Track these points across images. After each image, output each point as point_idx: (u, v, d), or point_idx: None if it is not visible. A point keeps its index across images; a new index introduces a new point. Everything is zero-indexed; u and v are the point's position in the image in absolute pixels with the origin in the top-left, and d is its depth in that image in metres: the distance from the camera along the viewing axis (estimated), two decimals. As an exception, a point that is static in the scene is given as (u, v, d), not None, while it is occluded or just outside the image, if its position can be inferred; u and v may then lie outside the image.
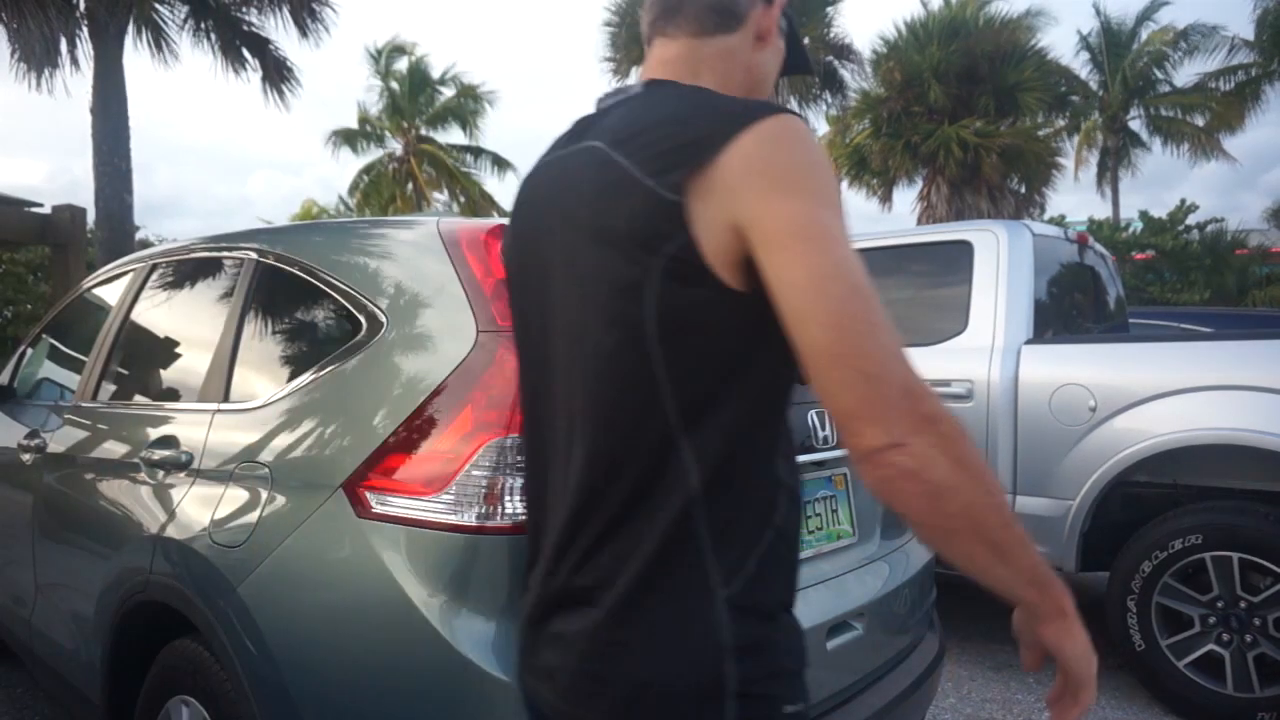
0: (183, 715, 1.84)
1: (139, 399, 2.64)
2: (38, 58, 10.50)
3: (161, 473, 2.06)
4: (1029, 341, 3.64)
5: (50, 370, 3.34)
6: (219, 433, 1.96)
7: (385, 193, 25.59)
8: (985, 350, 3.68)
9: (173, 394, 2.48)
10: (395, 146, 26.34)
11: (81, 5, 10.52)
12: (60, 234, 8.96)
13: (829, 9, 18.80)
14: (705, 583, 0.88)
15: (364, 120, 26.20)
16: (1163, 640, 3.17)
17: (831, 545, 2.06)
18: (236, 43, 11.76)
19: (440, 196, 26.04)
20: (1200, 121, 22.09)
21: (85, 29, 10.68)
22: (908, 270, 4.31)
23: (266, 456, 1.77)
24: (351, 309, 1.80)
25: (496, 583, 1.46)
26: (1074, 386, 3.40)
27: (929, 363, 3.77)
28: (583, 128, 1.04)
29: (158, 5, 11.46)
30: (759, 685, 0.88)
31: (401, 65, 26.16)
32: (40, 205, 9.29)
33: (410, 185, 25.83)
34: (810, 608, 1.85)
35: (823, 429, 2.06)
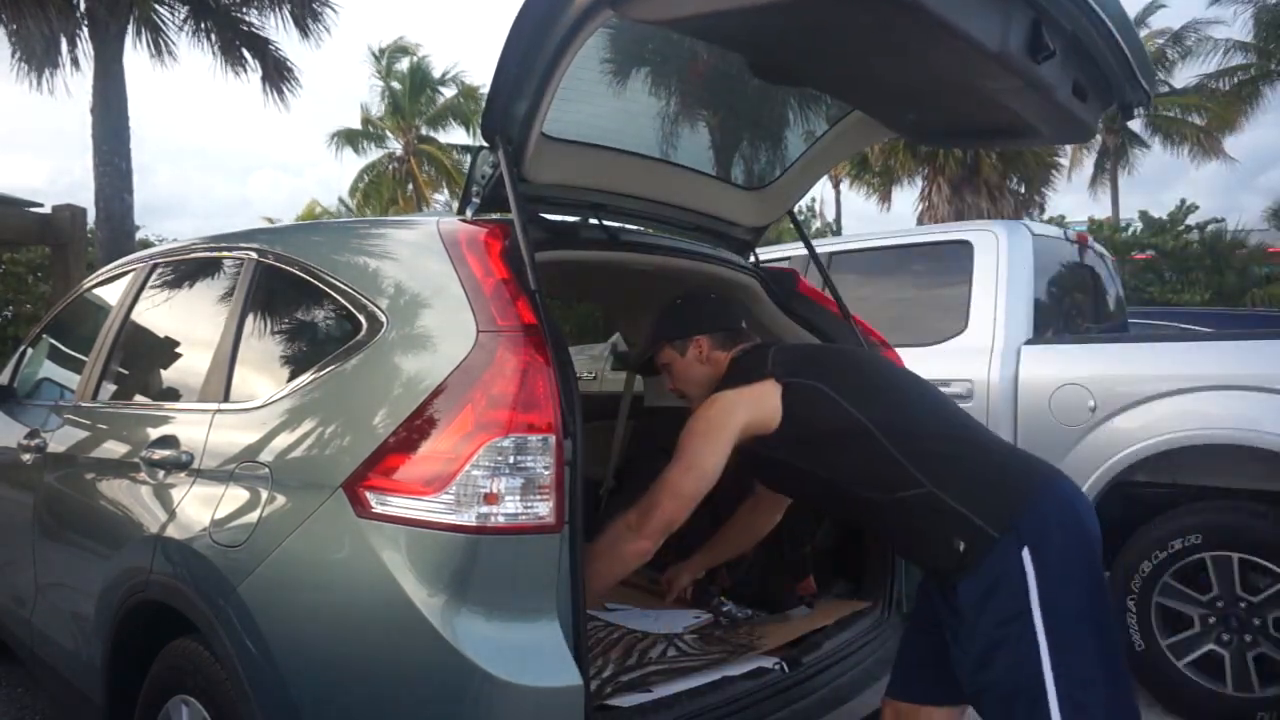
0: (183, 715, 1.84)
1: (139, 399, 2.64)
2: (38, 58, 10.51)
3: (162, 473, 2.06)
4: (1029, 341, 3.64)
5: (50, 370, 3.35)
6: (219, 433, 1.96)
7: (386, 193, 25.60)
8: (985, 350, 3.67)
9: (173, 394, 2.48)
10: (396, 147, 26.36)
11: (82, 5, 10.52)
12: (60, 234, 8.94)
13: (829, 9, 18.74)
14: None
15: (367, 121, 26.22)
16: (1163, 640, 3.16)
17: None
18: (236, 43, 11.76)
19: (440, 197, 26.05)
20: (1200, 121, 22.08)
21: (85, 29, 10.68)
22: (908, 270, 4.31)
23: (266, 456, 1.77)
24: (351, 309, 1.80)
25: (496, 583, 1.46)
26: (1074, 386, 3.40)
27: (929, 363, 3.77)
28: None
29: (157, 5, 11.46)
30: None
31: (403, 65, 26.18)
32: (40, 205, 9.27)
33: (410, 186, 25.84)
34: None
35: None
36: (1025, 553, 1.55)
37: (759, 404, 1.83)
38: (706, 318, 2.10)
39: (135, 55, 12.91)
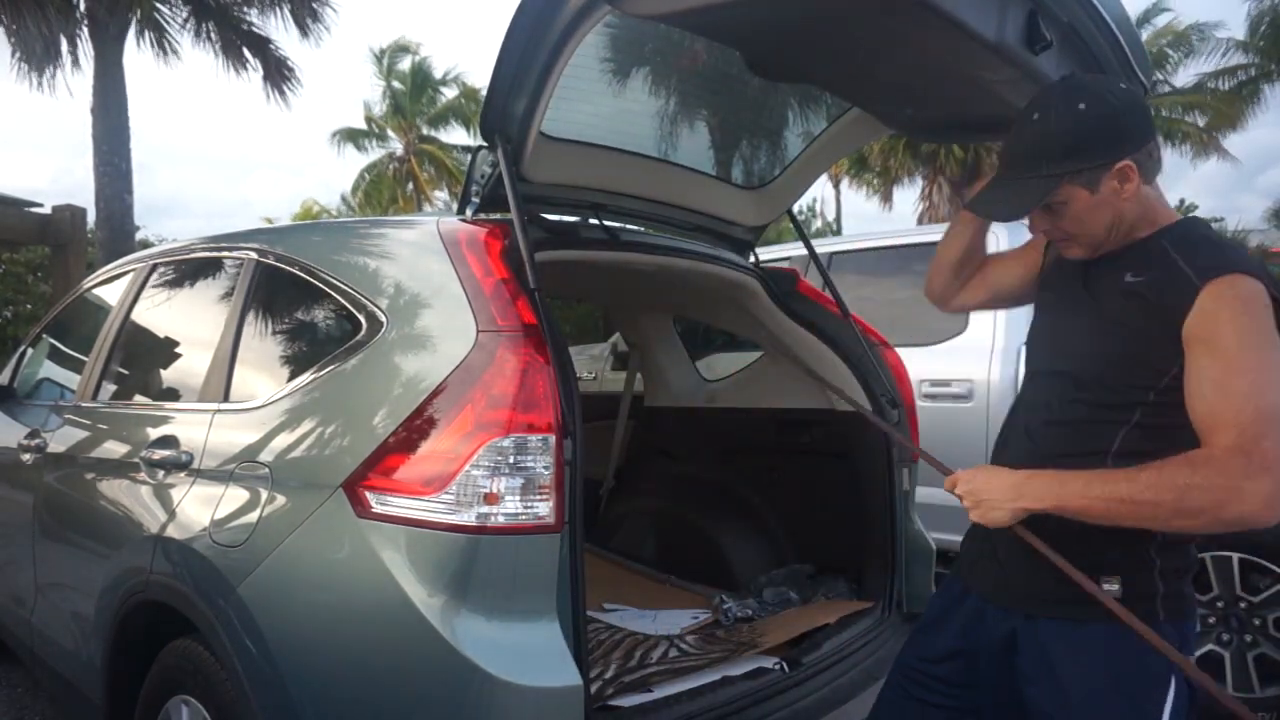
0: (183, 715, 1.84)
1: (139, 399, 2.64)
2: (38, 57, 10.51)
3: (162, 473, 2.06)
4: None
5: (50, 370, 3.35)
6: (219, 433, 1.96)
7: (386, 193, 25.61)
8: (985, 350, 3.67)
9: (173, 394, 2.48)
10: (397, 146, 26.37)
11: (81, 5, 10.52)
12: (60, 234, 8.93)
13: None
14: None
15: (370, 119, 26.26)
16: (1163, 640, 3.16)
17: None
18: (237, 42, 11.76)
19: (441, 196, 26.06)
20: (1200, 121, 22.07)
21: (85, 29, 10.68)
22: (909, 270, 4.30)
23: (266, 456, 1.77)
24: (351, 309, 1.80)
25: (496, 583, 1.46)
26: (1074, 386, 3.40)
27: (929, 363, 3.77)
28: None
29: (159, 5, 11.46)
30: None
31: (404, 65, 26.19)
32: (40, 205, 9.25)
33: (411, 185, 25.86)
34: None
35: None
36: (1187, 627, 1.38)
37: None
38: (1135, 129, 1.36)
39: (139, 55, 12.94)
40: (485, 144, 1.85)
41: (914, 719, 1.57)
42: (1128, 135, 1.35)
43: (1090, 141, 1.35)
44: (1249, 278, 1.26)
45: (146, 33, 11.45)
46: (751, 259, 2.75)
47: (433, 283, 1.68)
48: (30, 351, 3.49)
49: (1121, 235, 1.41)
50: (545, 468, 1.47)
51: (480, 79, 25.81)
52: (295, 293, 2.06)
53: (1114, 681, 1.32)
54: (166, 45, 11.60)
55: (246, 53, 11.80)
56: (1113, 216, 1.39)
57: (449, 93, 26.26)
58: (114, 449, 2.38)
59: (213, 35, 11.65)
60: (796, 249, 4.64)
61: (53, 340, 3.40)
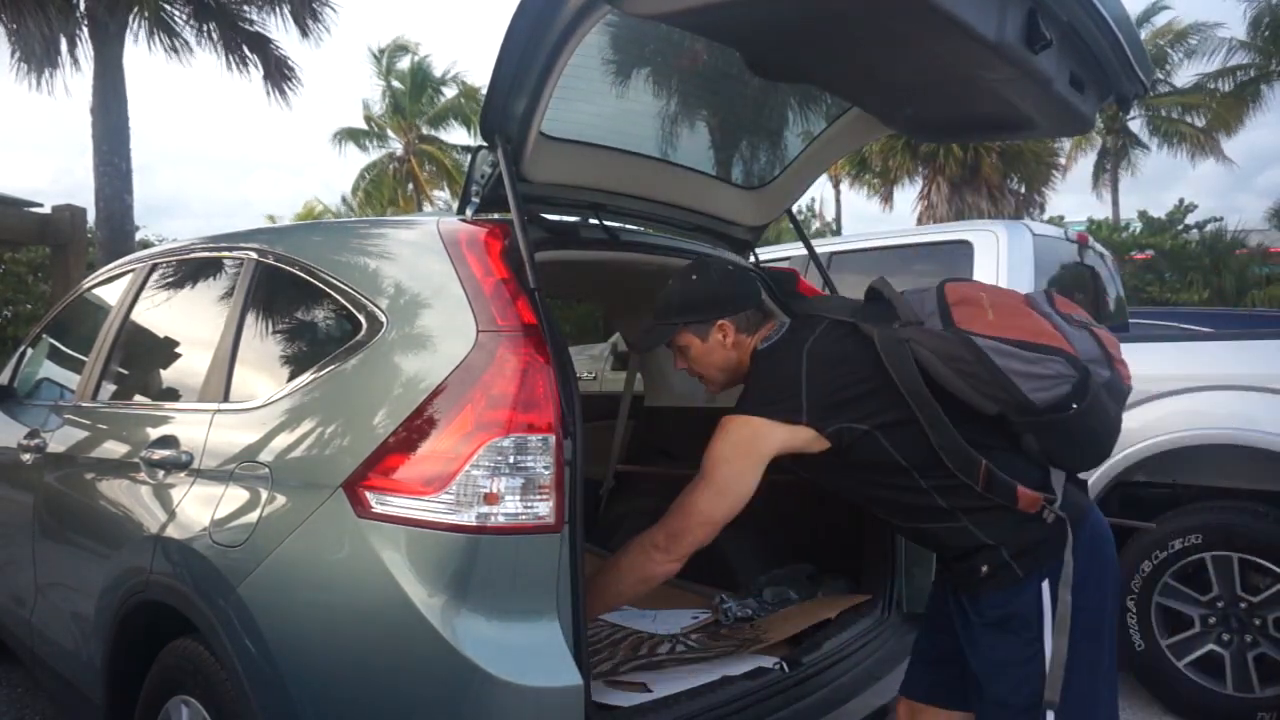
0: (183, 715, 1.84)
1: (139, 399, 2.64)
2: (38, 58, 10.50)
3: (161, 473, 2.06)
4: (1029, 341, 3.64)
5: (50, 370, 3.35)
6: (219, 432, 1.96)
7: (386, 193, 25.61)
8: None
9: (173, 394, 2.48)
10: (397, 146, 26.37)
11: (81, 5, 10.52)
12: (60, 234, 8.93)
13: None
14: None
15: (369, 119, 26.27)
16: (1163, 640, 3.16)
17: None
18: (237, 42, 11.76)
19: (441, 196, 26.06)
20: (1200, 122, 22.07)
21: (85, 29, 10.68)
22: (908, 270, 4.31)
23: (266, 456, 1.77)
24: (351, 309, 1.80)
25: (496, 582, 1.46)
26: (1074, 386, 3.39)
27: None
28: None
29: (162, 4, 11.45)
30: None
31: (404, 65, 26.20)
32: (40, 205, 9.26)
33: (411, 185, 25.86)
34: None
35: None
36: (1045, 585, 1.56)
37: (794, 439, 1.64)
38: (729, 298, 1.86)
39: (146, 55, 12.92)
40: (485, 144, 1.85)
41: (931, 649, 1.86)
42: (724, 303, 1.84)
43: (695, 303, 1.86)
44: (736, 418, 1.67)
45: (157, 33, 11.46)
46: (751, 259, 2.75)
47: (433, 283, 1.68)
48: (30, 351, 3.49)
49: (741, 376, 1.83)
50: (545, 468, 1.47)
51: (480, 79, 25.81)
52: (295, 293, 2.06)
53: (999, 625, 1.60)
54: (179, 47, 11.62)
55: (247, 52, 11.80)
56: (722, 360, 1.86)
57: (449, 92, 26.28)
58: (114, 449, 2.38)
59: (213, 35, 11.65)
60: (796, 249, 4.63)
61: (53, 340, 3.40)
